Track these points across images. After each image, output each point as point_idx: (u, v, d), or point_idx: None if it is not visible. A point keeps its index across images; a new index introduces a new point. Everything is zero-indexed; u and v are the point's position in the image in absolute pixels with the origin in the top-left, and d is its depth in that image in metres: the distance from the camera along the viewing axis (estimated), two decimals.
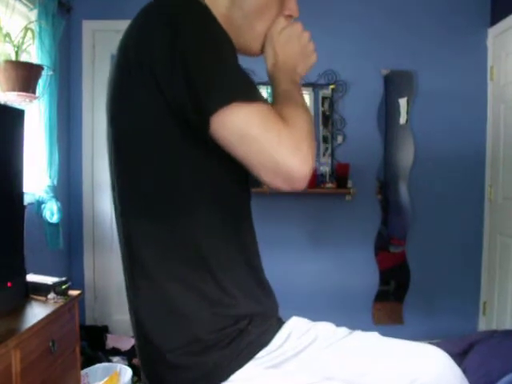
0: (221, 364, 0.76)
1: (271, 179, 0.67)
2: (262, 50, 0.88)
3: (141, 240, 0.79)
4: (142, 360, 0.84)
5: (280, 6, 0.85)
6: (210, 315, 0.77)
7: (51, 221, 2.25)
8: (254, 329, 0.79)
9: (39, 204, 2.25)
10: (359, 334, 0.87)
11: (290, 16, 0.87)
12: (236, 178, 0.82)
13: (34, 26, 2.11)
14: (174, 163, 0.75)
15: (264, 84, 2.86)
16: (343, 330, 0.87)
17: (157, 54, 0.69)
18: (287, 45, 0.84)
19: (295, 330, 0.84)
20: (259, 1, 0.82)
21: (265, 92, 2.90)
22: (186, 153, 0.74)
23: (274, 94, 0.80)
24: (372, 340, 0.86)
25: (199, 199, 0.77)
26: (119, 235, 0.85)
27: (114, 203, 0.86)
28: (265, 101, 0.69)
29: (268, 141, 0.65)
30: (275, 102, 0.74)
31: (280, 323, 0.86)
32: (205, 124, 0.67)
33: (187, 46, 0.68)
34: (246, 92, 0.68)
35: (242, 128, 0.66)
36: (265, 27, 0.85)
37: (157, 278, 0.78)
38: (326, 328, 0.87)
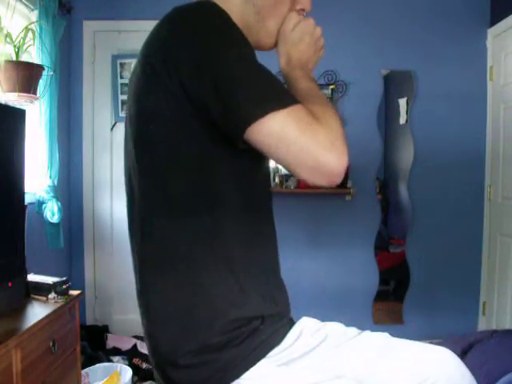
0: (233, 362, 0.77)
1: (310, 176, 0.69)
2: (275, 46, 0.88)
3: (161, 240, 0.79)
4: (155, 362, 0.85)
5: (292, 1, 0.85)
6: (225, 317, 0.78)
7: (52, 221, 2.25)
8: (266, 328, 0.80)
9: (40, 204, 2.25)
10: (369, 334, 0.88)
11: (302, 10, 0.87)
12: (261, 178, 0.85)
13: (35, 27, 2.12)
14: (202, 165, 0.76)
15: None
16: (353, 330, 0.89)
17: (184, 66, 0.70)
18: (300, 41, 0.85)
19: (306, 329, 0.86)
20: None
21: None
22: (214, 154, 0.76)
23: (291, 90, 0.81)
24: (382, 340, 0.87)
25: (225, 200, 0.78)
26: (134, 235, 0.85)
27: (131, 203, 0.86)
28: (296, 100, 0.70)
29: (305, 141, 0.67)
30: (298, 99, 0.75)
31: (291, 323, 0.87)
32: (239, 133, 0.69)
33: (214, 57, 0.69)
34: (279, 98, 0.69)
35: (279, 132, 0.67)
36: (278, 22, 0.85)
37: (174, 280, 0.79)
38: (336, 328, 0.89)
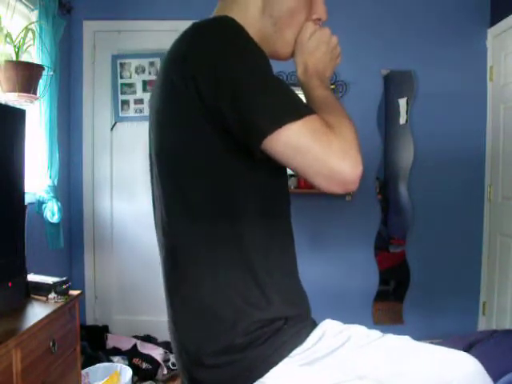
0: (256, 362, 0.79)
1: (326, 185, 0.71)
2: (292, 55, 0.90)
3: (187, 250, 0.82)
4: (182, 363, 0.87)
5: (308, 11, 0.87)
6: (248, 318, 0.79)
7: (52, 221, 2.26)
8: (289, 328, 0.82)
9: (40, 204, 2.26)
10: (391, 337, 0.90)
11: (318, 19, 0.89)
12: (280, 185, 0.87)
13: (35, 27, 2.12)
14: (221, 175, 0.78)
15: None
16: (376, 333, 0.90)
17: (202, 80, 0.72)
18: (317, 51, 0.87)
19: (329, 331, 0.88)
20: (288, 6, 0.85)
21: None
22: (232, 165, 0.78)
23: (308, 98, 0.83)
24: (404, 343, 0.89)
25: (247, 207, 0.80)
26: (162, 245, 0.89)
27: (156, 214, 0.90)
28: (311, 111, 0.72)
29: (321, 151, 0.69)
30: (314, 108, 0.77)
31: (314, 324, 0.89)
32: (256, 144, 0.71)
33: (231, 69, 0.71)
34: (295, 109, 0.71)
35: (295, 142, 0.69)
36: (294, 33, 0.87)
37: (200, 286, 0.81)
38: (359, 330, 0.90)
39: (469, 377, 0.84)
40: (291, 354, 0.81)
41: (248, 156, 0.75)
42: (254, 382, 0.79)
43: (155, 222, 0.92)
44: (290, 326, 0.82)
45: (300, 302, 0.90)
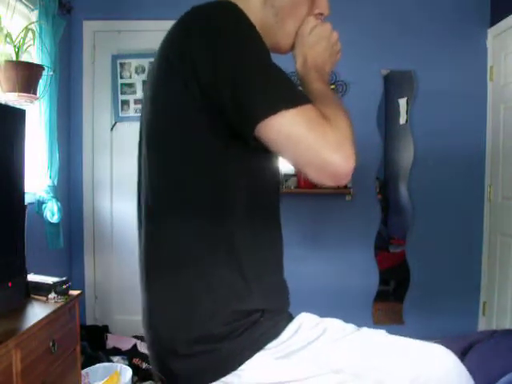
0: (231, 354, 0.78)
1: (317, 176, 0.70)
2: (292, 48, 0.90)
3: (169, 237, 0.82)
4: (155, 352, 0.86)
5: (311, 5, 0.87)
6: (227, 308, 0.79)
7: (52, 221, 2.25)
8: (265, 321, 0.82)
9: (40, 204, 2.25)
10: (367, 330, 0.89)
11: (320, 14, 0.89)
12: (271, 180, 0.87)
13: (35, 27, 2.11)
14: (209, 164, 0.78)
15: None
16: (351, 326, 0.90)
17: (200, 61, 0.72)
18: (317, 45, 0.87)
19: (305, 324, 0.87)
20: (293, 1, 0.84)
21: None
22: (223, 154, 0.77)
23: (305, 91, 0.83)
24: (379, 337, 0.89)
25: (235, 197, 0.80)
26: (141, 230, 0.88)
27: (140, 200, 0.90)
28: (308, 100, 0.72)
29: (313, 140, 0.68)
30: (312, 100, 0.76)
31: (290, 317, 0.89)
32: (249, 129, 0.70)
33: (231, 53, 0.71)
34: (291, 98, 0.71)
35: (288, 130, 0.69)
36: (295, 25, 0.87)
37: (180, 274, 0.80)
38: (334, 323, 0.90)
39: (444, 370, 0.84)
40: (267, 347, 0.81)
41: (237, 147, 0.75)
42: (229, 373, 0.78)
43: (138, 203, 0.91)
44: (266, 319, 0.82)
45: (280, 295, 0.91)
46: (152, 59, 0.87)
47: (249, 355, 0.79)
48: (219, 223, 0.80)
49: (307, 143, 0.69)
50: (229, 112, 0.72)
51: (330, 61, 0.89)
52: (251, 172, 0.81)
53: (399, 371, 0.83)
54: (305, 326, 0.87)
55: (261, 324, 0.81)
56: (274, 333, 0.83)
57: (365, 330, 0.89)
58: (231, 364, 0.78)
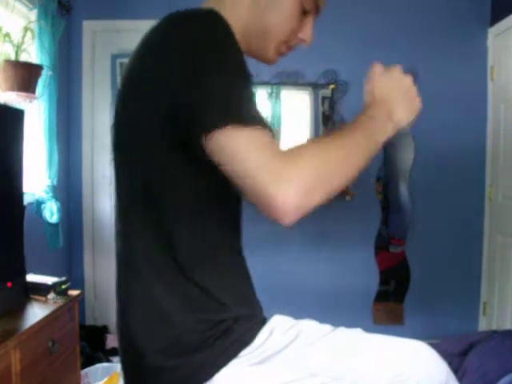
0: (205, 364, 0.76)
1: (255, 203, 0.65)
2: (276, 59, 0.89)
3: (136, 241, 0.80)
4: (125, 363, 0.84)
5: (298, 27, 0.86)
6: (195, 319, 0.77)
7: (51, 221, 2.25)
8: (238, 328, 0.80)
9: (39, 204, 2.25)
10: (343, 330, 0.88)
11: (302, 40, 0.88)
12: (229, 185, 0.83)
13: (34, 26, 2.11)
14: (165, 175, 0.76)
15: (265, 84, 2.89)
16: (327, 327, 0.89)
17: (171, 68, 0.70)
18: (386, 84, 0.87)
19: (278, 328, 0.86)
20: (283, 13, 0.83)
21: (265, 92, 2.90)
22: (181, 161, 0.75)
23: (355, 119, 0.78)
24: (355, 336, 0.88)
25: (193, 205, 0.78)
26: (116, 234, 0.86)
27: (115, 198, 0.87)
28: (264, 126, 0.67)
29: (252, 164, 0.63)
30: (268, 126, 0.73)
31: (263, 322, 0.87)
32: (196, 137, 0.67)
33: (199, 60, 0.69)
34: (246, 117, 0.66)
35: (231, 148, 0.65)
36: (280, 38, 0.86)
37: (146, 280, 0.78)
38: (309, 325, 0.88)
39: (422, 366, 0.83)
40: (241, 354, 0.79)
41: (187, 153, 0.72)
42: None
43: (115, 211, 0.88)
44: (239, 326, 0.80)
45: (250, 301, 0.89)
46: None
47: (222, 364, 0.77)
48: (177, 230, 0.77)
49: (245, 167, 0.63)
50: (182, 117, 0.69)
51: (405, 105, 0.86)
52: (208, 187, 0.78)
53: (378, 370, 0.82)
54: (278, 330, 0.85)
55: (233, 331, 0.79)
56: (247, 339, 0.81)
57: (340, 329, 0.88)
58: (204, 375, 0.76)
